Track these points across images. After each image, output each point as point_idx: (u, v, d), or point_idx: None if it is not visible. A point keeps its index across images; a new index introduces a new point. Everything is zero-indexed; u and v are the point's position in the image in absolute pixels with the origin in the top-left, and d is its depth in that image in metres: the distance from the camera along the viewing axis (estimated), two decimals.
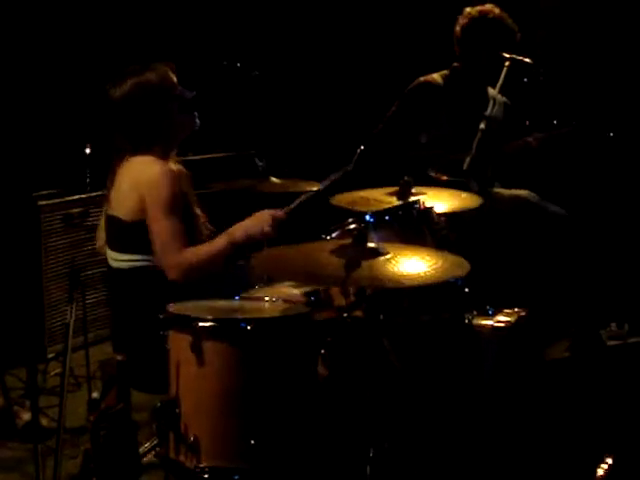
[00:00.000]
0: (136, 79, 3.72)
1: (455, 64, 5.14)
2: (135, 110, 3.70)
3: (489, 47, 4.92)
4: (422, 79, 5.13)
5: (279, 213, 3.65)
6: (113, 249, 3.74)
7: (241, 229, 3.64)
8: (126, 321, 3.74)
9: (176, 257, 3.58)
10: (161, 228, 3.59)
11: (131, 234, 3.66)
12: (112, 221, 3.73)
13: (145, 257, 3.65)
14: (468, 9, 5.09)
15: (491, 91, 5.18)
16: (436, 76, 5.13)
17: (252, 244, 3.67)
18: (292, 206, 3.73)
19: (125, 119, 3.72)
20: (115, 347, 3.81)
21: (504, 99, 5.29)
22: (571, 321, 4.88)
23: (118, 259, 3.71)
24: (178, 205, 3.63)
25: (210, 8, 6.56)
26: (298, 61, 6.74)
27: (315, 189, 3.91)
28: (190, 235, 3.66)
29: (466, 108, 4.90)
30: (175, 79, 3.79)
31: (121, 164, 3.72)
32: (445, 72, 5.15)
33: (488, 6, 5.06)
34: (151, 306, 3.50)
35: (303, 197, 3.78)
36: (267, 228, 3.60)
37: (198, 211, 3.82)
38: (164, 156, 3.73)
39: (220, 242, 3.62)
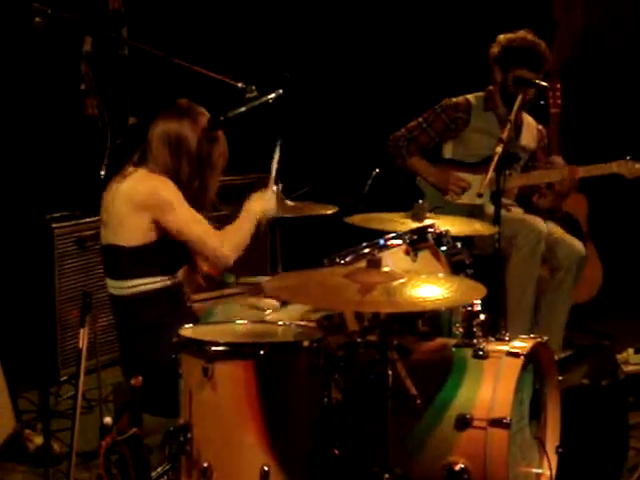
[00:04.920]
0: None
1: (490, 87, 5.18)
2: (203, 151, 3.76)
3: (520, 71, 4.94)
4: (454, 99, 5.19)
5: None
6: (113, 278, 3.73)
7: (257, 205, 3.79)
8: (136, 345, 3.72)
9: (226, 240, 3.68)
10: (191, 222, 3.64)
11: (133, 259, 3.64)
12: (110, 250, 3.72)
13: (147, 280, 3.66)
14: (501, 36, 5.14)
15: (528, 119, 5.20)
16: (470, 97, 5.22)
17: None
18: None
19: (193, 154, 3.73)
20: (124, 372, 3.78)
21: (539, 126, 5.30)
22: (588, 347, 4.84)
23: (119, 287, 3.71)
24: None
25: (228, 29, 6.57)
26: (317, 85, 6.74)
27: None
28: None
29: (494, 131, 4.90)
30: None
31: (107, 191, 3.72)
32: (479, 94, 5.20)
33: (521, 32, 5.09)
34: (159, 329, 3.49)
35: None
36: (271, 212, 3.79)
37: None
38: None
39: (246, 218, 3.76)
